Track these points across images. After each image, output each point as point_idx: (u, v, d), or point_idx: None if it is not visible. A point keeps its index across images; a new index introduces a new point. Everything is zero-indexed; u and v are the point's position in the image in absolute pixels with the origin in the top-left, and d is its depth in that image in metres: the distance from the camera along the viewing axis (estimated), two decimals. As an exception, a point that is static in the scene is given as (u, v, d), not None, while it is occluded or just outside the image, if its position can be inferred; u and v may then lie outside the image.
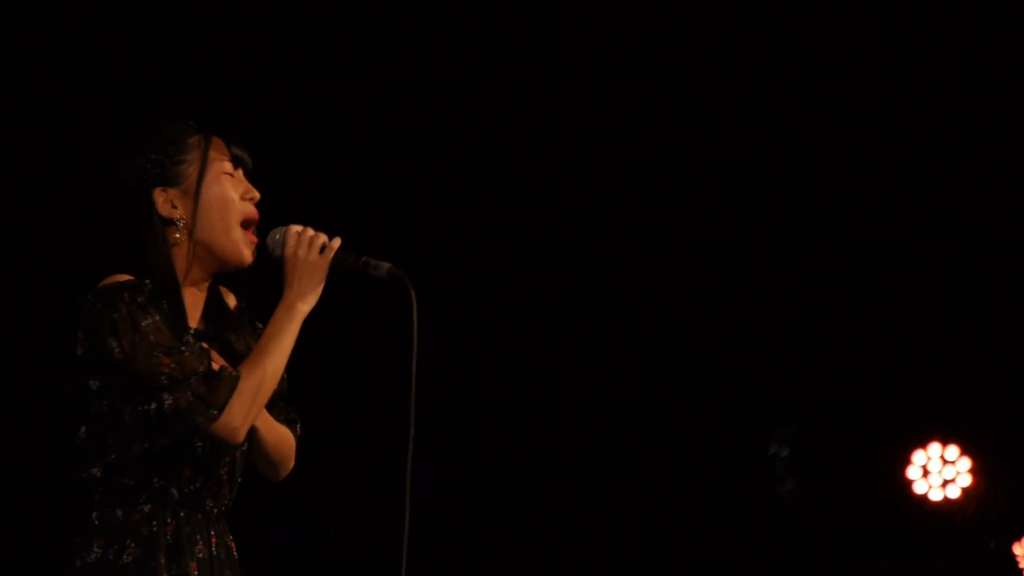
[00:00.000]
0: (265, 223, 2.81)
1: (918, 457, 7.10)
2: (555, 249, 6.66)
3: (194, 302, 2.75)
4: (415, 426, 2.70)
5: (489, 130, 6.30)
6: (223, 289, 2.84)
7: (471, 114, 6.21)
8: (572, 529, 6.90)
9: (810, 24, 6.08)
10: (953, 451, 7.06)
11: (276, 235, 2.75)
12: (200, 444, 2.65)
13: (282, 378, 2.75)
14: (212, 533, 2.70)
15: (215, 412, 2.56)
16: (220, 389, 2.57)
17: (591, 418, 6.89)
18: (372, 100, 6.01)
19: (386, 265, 2.74)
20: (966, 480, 7.05)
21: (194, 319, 2.74)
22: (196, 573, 2.64)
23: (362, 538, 6.34)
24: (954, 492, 7.05)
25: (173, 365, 2.55)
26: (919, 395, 7.07)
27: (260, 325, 2.82)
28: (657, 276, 6.79)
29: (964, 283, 6.82)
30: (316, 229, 2.75)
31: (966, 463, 7.05)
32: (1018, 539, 6.97)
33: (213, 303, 2.80)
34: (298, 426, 2.91)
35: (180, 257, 2.72)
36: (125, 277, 2.67)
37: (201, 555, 2.66)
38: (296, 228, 2.74)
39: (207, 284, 2.77)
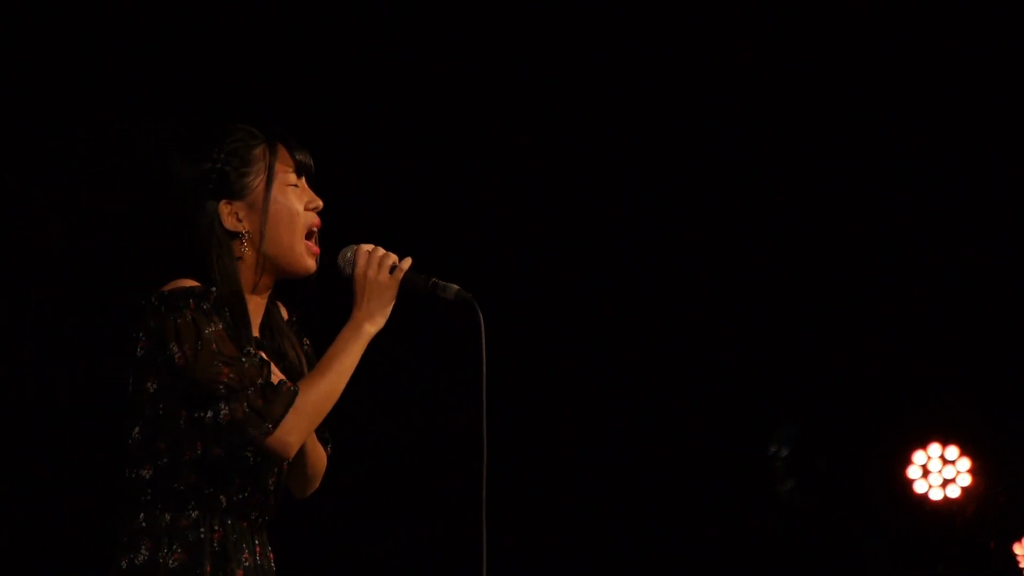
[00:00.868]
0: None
1: (918, 457, 7.10)
2: (555, 249, 6.66)
3: (255, 311, 2.74)
4: (487, 449, 2.69)
5: (489, 130, 6.31)
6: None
7: (471, 114, 6.22)
8: (572, 529, 6.90)
9: (810, 24, 6.08)
10: (953, 451, 7.06)
11: (347, 253, 2.72)
12: (251, 454, 2.63)
13: None
14: (256, 542, 2.70)
15: (269, 426, 2.54)
16: (277, 403, 2.55)
17: (591, 418, 6.89)
18: (382, 105, 6.02)
19: (455, 288, 2.74)
20: (966, 480, 7.04)
21: (254, 328, 2.73)
22: None
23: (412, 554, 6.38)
24: (954, 492, 7.05)
25: (232, 375, 2.54)
26: (919, 395, 7.06)
27: (307, 341, 2.83)
28: (657, 276, 6.79)
29: (964, 283, 6.82)
30: (385, 247, 2.74)
31: (966, 463, 7.04)
32: (1018, 539, 6.97)
33: (271, 314, 2.79)
34: (329, 446, 2.90)
35: (246, 269, 2.70)
36: (191, 282, 2.65)
37: (247, 563, 2.66)
38: (367, 247, 2.71)
39: (268, 294, 2.76)
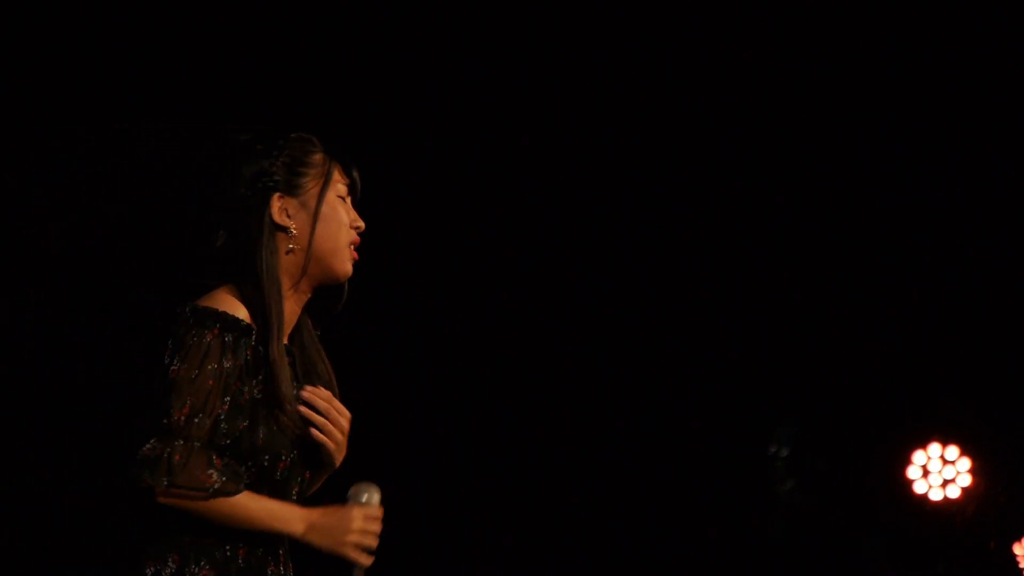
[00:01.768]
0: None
1: (918, 457, 7.10)
2: (555, 249, 6.66)
3: (288, 317, 2.75)
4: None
5: (489, 130, 6.31)
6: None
7: (471, 114, 6.22)
8: (572, 529, 6.90)
9: (810, 24, 6.09)
10: (953, 451, 7.07)
11: (369, 495, 2.67)
12: (280, 468, 2.65)
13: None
14: (280, 552, 2.71)
15: (165, 482, 2.53)
16: (190, 473, 2.53)
17: (591, 418, 6.89)
18: (381, 105, 6.02)
19: None
20: (966, 480, 7.05)
21: (284, 335, 2.75)
22: None
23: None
24: (954, 492, 7.06)
25: (183, 417, 2.54)
26: (919, 395, 7.07)
27: (323, 352, 2.84)
28: (657, 276, 6.79)
29: (964, 283, 6.82)
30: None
31: (966, 463, 7.05)
32: (1018, 539, 6.97)
33: (302, 326, 2.80)
34: None
35: (291, 265, 2.74)
36: (229, 300, 2.67)
37: (272, 574, 2.67)
38: (374, 516, 2.67)
39: (302, 302, 2.78)
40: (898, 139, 6.49)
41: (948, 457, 7.07)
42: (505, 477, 6.82)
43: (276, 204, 2.72)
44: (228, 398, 2.59)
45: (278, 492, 2.66)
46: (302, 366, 2.77)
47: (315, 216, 2.73)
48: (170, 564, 2.59)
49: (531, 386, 6.76)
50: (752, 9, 6.06)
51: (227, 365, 2.60)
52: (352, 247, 2.79)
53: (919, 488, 7.09)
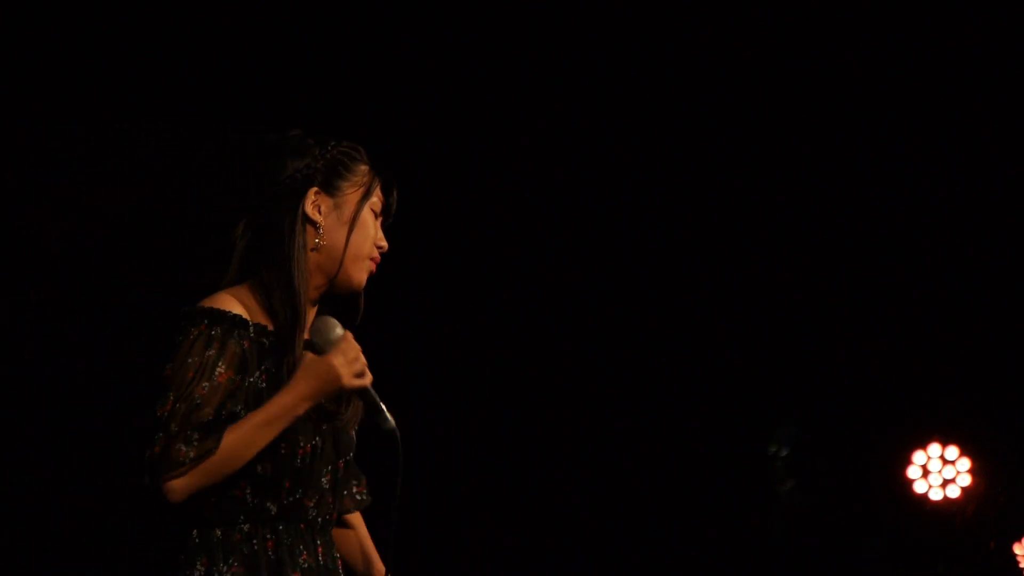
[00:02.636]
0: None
1: (918, 457, 7.10)
2: (555, 249, 6.67)
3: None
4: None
5: (488, 130, 6.31)
6: None
7: (470, 114, 6.22)
8: (572, 529, 6.90)
9: (810, 24, 6.09)
10: (953, 451, 7.06)
11: (333, 332, 2.70)
12: (300, 456, 2.67)
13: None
14: (319, 543, 2.73)
15: (160, 479, 2.55)
16: (169, 459, 2.55)
17: (591, 418, 6.89)
18: (381, 104, 6.02)
19: (392, 424, 2.73)
20: (966, 480, 7.05)
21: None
22: None
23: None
24: (954, 492, 7.05)
25: (166, 414, 2.57)
26: (919, 395, 7.07)
27: None
28: (657, 276, 6.79)
29: (964, 283, 6.82)
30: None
31: (966, 463, 7.05)
32: (1018, 539, 6.97)
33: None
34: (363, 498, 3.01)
35: (312, 263, 2.77)
36: (226, 299, 2.69)
37: (306, 564, 2.68)
38: (348, 344, 2.70)
39: (314, 307, 2.81)
40: (898, 139, 6.49)
41: (948, 457, 7.07)
42: (505, 477, 6.82)
43: (311, 197, 2.77)
44: (207, 383, 2.60)
45: (302, 480, 2.68)
46: None
47: (352, 221, 2.78)
48: (199, 568, 2.63)
49: (531, 386, 6.77)
50: (752, 9, 6.06)
51: (210, 353, 2.62)
52: (372, 262, 2.83)
53: (919, 488, 7.09)
